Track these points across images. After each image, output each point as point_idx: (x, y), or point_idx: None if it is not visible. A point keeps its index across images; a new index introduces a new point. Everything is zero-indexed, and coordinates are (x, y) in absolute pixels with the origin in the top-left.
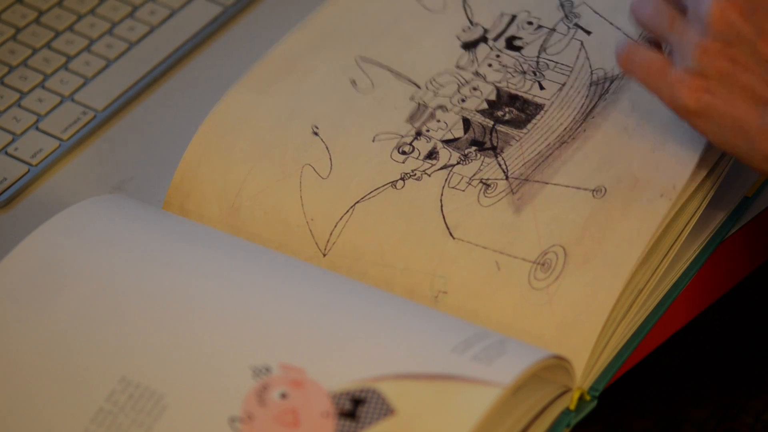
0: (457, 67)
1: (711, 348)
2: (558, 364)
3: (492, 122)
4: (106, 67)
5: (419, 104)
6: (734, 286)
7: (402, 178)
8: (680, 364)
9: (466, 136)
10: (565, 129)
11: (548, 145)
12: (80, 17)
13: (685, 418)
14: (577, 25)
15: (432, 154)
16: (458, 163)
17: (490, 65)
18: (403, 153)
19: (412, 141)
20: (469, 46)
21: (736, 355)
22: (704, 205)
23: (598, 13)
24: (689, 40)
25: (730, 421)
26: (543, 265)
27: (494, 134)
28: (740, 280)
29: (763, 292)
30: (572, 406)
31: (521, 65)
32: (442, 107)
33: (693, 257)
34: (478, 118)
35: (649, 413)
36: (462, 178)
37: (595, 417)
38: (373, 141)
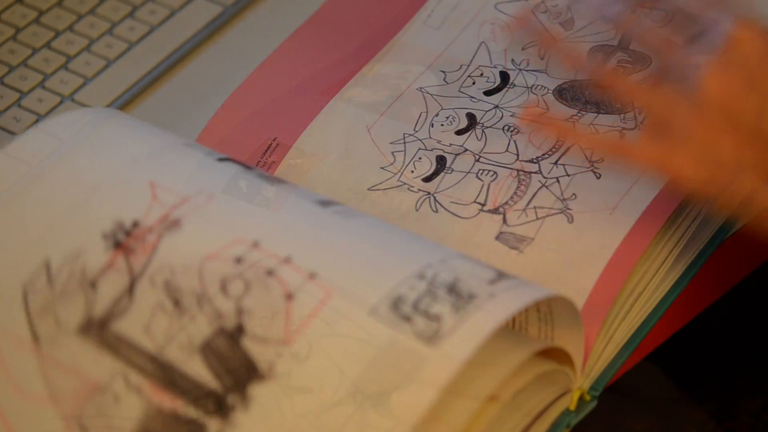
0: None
1: (711, 348)
2: (558, 369)
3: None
4: (106, 67)
5: None
6: (734, 286)
7: None
8: (680, 364)
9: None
10: None
11: None
12: (80, 17)
13: (685, 418)
14: None
15: None
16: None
17: None
18: None
19: None
20: None
21: (736, 355)
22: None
23: None
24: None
25: (730, 421)
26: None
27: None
28: (740, 280)
29: (763, 292)
30: (572, 407)
31: None
32: None
33: (693, 257)
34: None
35: (649, 413)
36: None
37: (595, 417)
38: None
